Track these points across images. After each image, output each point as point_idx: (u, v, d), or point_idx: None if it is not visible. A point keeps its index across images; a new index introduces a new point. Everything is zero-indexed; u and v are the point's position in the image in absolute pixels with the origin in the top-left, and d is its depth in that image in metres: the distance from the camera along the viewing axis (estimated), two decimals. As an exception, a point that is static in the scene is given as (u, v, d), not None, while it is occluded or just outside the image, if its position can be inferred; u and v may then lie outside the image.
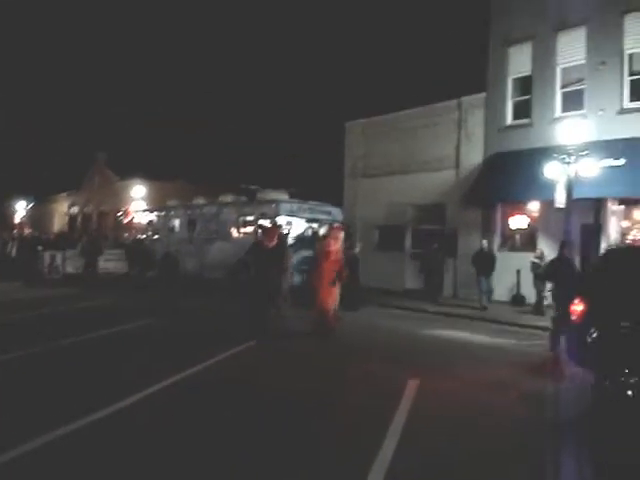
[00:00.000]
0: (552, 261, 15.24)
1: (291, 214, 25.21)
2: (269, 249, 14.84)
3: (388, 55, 59.59)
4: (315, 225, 26.11)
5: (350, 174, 32.33)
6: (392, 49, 54.71)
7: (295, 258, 24.22)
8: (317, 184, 35.10)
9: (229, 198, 29.72)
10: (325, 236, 16.43)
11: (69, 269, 29.74)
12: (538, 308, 20.71)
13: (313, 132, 56.94)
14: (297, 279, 24.21)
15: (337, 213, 27.26)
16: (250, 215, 26.82)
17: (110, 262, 29.66)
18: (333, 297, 15.44)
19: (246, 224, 26.97)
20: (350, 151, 32.42)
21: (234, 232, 27.48)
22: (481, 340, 15.71)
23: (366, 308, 20.95)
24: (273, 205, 25.51)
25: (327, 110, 53.17)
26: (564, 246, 14.88)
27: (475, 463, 6.63)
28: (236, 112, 63.08)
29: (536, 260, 21.00)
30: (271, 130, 60.37)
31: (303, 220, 25.61)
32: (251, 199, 28.57)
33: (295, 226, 25.23)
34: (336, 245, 15.73)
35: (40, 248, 31.67)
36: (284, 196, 27.07)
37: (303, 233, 25.45)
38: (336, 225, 18.57)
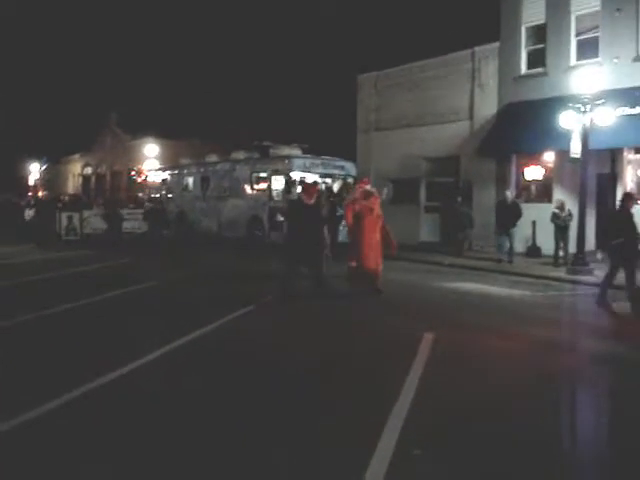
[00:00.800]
0: (614, 215, 14.99)
1: (304, 170, 25.17)
2: (308, 207, 14.01)
3: (400, 6, 58.71)
4: (329, 180, 26.04)
5: (363, 128, 32.08)
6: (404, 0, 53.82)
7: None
8: (330, 139, 34.91)
9: (241, 155, 29.67)
10: (360, 192, 15.23)
11: (87, 230, 29.71)
12: (557, 259, 20.51)
13: (325, 86, 56.46)
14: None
15: (350, 168, 27.18)
16: (263, 172, 26.80)
17: (130, 222, 29.61)
18: (378, 255, 14.65)
19: (259, 180, 26.95)
20: (363, 105, 32.13)
21: (247, 189, 27.48)
22: (498, 292, 15.69)
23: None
24: (286, 161, 25.46)
25: (339, 63, 52.57)
26: (629, 199, 14.38)
27: (489, 410, 6.66)
28: (248, 68, 62.59)
29: (557, 211, 20.65)
30: (283, 86, 59.92)
31: (317, 175, 25.54)
32: (264, 155, 28.52)
33: (309, 181, 25.14)
34: (378, 200, 14.93)
35: (59, 208, 31.71)
36: (297, 152, 27.01)
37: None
38: (365, 179, 17.87)
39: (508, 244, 21.72)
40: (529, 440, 5.94)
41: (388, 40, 45.55)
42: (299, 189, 15.75)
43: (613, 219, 14.44)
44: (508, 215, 21.76)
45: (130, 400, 6.90)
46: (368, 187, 15.73)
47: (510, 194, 23.03)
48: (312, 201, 14.13)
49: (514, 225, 21.75)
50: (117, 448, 5.68)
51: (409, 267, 20.31)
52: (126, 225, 29.28)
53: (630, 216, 13.80)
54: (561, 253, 20.94)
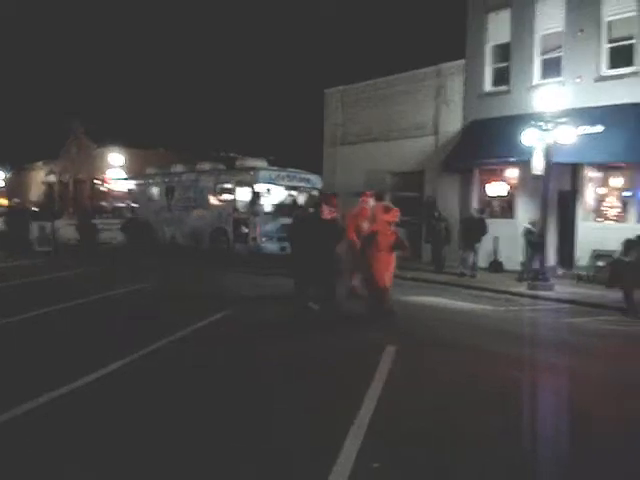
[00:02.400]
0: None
1: (270, 182, 25.16)
2: (324, 222, 13.11)
3: (367, 21, 59.15)
4: (294, 192, 26.09)
5: (329, 141, 32.26)
6: (372, 16, 54.31)
7: (274, 226, 24.32)
8: (296, 152, 35.01)
9: (207, 166, 29.57)
10: (381, 207, 14.13)
11: (60, 240, 29.09)
12: (526, 274, 20.49)
13: (293, 100, 56.61)
14: (274, 247, 24.30)
15: (316, 181, 27.25)
16: (228, 183, 26.74)
17: (105, 233, 29.11)
18: (390, 273, 13.78)
19: (224, 191, 26.90)
20: (329, 118, 32.32)
21: (212, 200, 27.40)
22: (460, 306, 15.82)
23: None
24: (252, 173, 25.43)
25: (306, 77, 52.80)
26: None
27: (448, 423, 6.72)
28: (216, 80, 62.53)
29: (530, 226, 20.75)
30: (250, 98, 59.99)
31: (282, 188, 25.57)
32: (230, 166, 28.48)
33: (274, 194, 25.19)
34: (396, 216, 13.82)
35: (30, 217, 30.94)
36: (263, 163, 26.98)
37: (282, 200, 25.42)
38: (367, 192, 16.67)
39: (472, 259, 21.99)
40: (488, 453, 6.00)
41: (356, 55, 45.93)
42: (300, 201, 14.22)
43: None
44: (474, 230, 22.06)
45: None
46: (372, 202, 15.46)
47: (476, 210, 23.35)
48: (331, 216, 13.26)
49: (479, 240, 22.05)
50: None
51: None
52: (101, 236, 28.82)
53: None
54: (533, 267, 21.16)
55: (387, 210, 13.79)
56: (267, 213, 24.72)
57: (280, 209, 24.97)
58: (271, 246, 24.43)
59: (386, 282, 13.47)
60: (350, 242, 14.90)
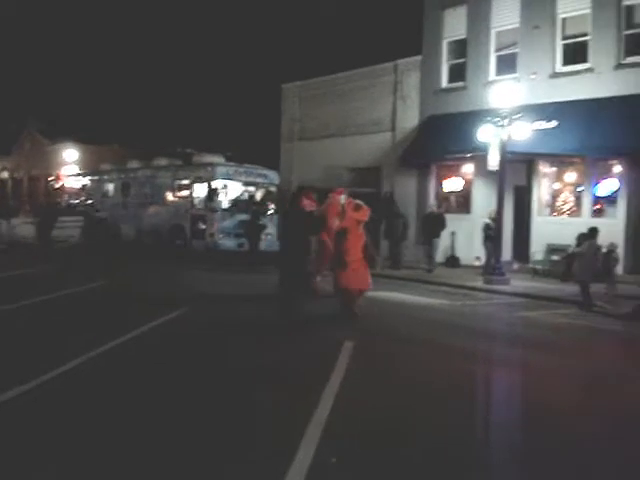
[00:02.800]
0: None
1: (227, 177, 25.00)
2: (310, 214, 12.72)
3: (324, 16, 59.07)
4: (252, 188, 25.96)
5: (286, 137, 32.20)
6: (328, 10, 54.22)
7: (231, 222, 24.18)
8: (253, 147, 34.84)
9: (164, 162, 29.31)
10: (351, 204, 13.37)
11: (16, 237, 28.42)
12: (487, 269, 20.56)
13: (249, 95, 56.30)
14: (232, 243, 24.18)
15: (274, 176, 27.15)
16: (185, 179, 26.52)
17: (62, 230, 28.55)
18: (365, 274, 13.07)
19: (181, 188, 26.67)
20: (286, 114, 32.25)
21: (169, 196, 27.15)
22: (417, 301, 15.89)
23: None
24: (209, 168, 25.25)
25: (263, 72, 52.53)
26: None
27: (409, 417, 6.72)
28: (171, 75, 61.91)
29: (489, 221, 20.83)
30: (207, 93, 59.50)
31: (239, 184, 25.43)
32: (186, 162, 28.25)
33: (231, 189, 25.05)
34: (368, 213, 13.21)
35: None
36: (220, 159, 26.82)
37: (239, 196, 25.29)
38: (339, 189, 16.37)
39: (429, 253, 22.15)
40: (445, 447, 6.01)
41: (313, 50, 45.81)
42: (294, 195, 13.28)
43: None
44: (434, 225, 22.19)
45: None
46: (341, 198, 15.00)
47: (436, 205, 23.49)
48: (313, 208, 12.94)
49: (438, 235, 22.21)
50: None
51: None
52: (58, 233, 28.26)
53: None
54: (479, 263, 21.38)
55: (357, 208, 13.15)
56: (225, 209, 24.55)
57: (238, 205, 24.84)
58: (229, 242, 24.29)
59: (352, 283, 12.71)
60: (319, 239, 14.51)
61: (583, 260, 15.28)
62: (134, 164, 30.94)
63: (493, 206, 20.41)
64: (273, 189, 26.57)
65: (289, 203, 13.35)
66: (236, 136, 41.77)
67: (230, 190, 24.98)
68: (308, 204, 12.79)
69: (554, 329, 12.97)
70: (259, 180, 26.29)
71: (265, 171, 26.92)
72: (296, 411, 6.75)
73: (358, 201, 13.33)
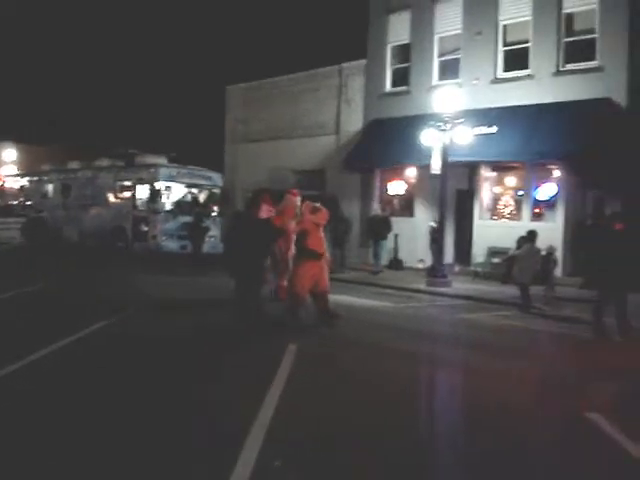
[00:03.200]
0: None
1: (170, 179, 24.81)
2: (260, 222, 11.97)
3: (270, 18, 59.05)
4: (195, 190, 25.79)
5: (231, 139, 32.09)
6: (274, 12, 54.25)
7: (174, 224, 23.98)
8: (197, 149, 34.60)
9: (105, 162, 28.90)
10: (308, 206, 12.79)
11: None
12: (431, 271, 20.65)
13: (193, 96, 55.89)
14: (174, 245, 23.97)
15: (217, 178, 27.03)
16: (128, 180, 26.21)
17: (2, 232, 27.85)
18: (319, 280, 12.25)
19: (123, 189, 26.34)
20: (230, 115, 32.14)
21: (111, 197, 26.79)
22: (361, 303, 15.93)
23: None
24: (152, 170, 25.02)
25: (208, 73, 52.22)
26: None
27: (347, 419, 6.73)
28: (113, 74, 61.14)
29: (434, 224, 20.92)
30: (150, 93, 58.88)
31: (182, 185, 25.24)
32: (129, 164, 27.90)
33: (174, 191, 24.84)
34: (327, 217, 12.59)
35: None
36: (163, 160, 26.58)
37: (182, 198, 25.09)
38: (294, 190, 15.87)
39: (380, 250, 22.25)
40: (384, 450, 6.04)
41: (258, 52, 45.76)
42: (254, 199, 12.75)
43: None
44: (380, 228, 22.31)
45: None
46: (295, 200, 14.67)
47: (381, 207, 23.60)
48: (268, 215, 12.19)
49: (385, 238, 22.34)
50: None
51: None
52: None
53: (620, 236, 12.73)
54: (422, 265, 21.59)
55: (314, 211, 12.56)
56: (167, 211, 24.34)
57: (181, 207, 24.64)
58: (171, 244, 24.08)
59: (305, 289, 12.09)
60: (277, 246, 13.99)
61: (522, 263, 15.53)
62: (74, 165, 30.45)
63: (435, 210, 20.66)
64: (217, 191, 26.44)
65: (247, 207, 12.97)
66: (180, 137, 41.44)
67: (173, 192, 24.77)
68: (266, 209, 12.22)
69: (494, 331, 13.15)
70: (203, 182, 26.15)
71: (209, 173, 26.78)
72: (239, 413, 6.71)
73: (316, 204, 12.93)
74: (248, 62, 37.51)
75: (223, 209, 25.98)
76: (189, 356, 9.39)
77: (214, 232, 24.32)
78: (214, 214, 25.44)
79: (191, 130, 42.93)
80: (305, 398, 7.46)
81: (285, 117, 29.31)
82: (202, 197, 25.88)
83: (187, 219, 23.64)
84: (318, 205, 12.89)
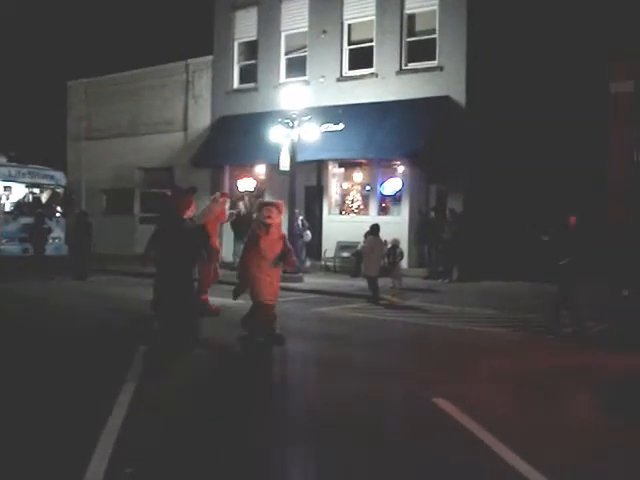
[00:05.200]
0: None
1: (9, 179, 23.66)
2: (182, 226, 10.51)
3: (114, 12, 57.36)
4: (36, 190, 24.71)
5: (73, 136, 31.05)
6: (118, 5, 52.67)
7: (15, 226, 22.89)
8: (38, 147, 33.11)
9: None
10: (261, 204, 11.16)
11: None
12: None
13: (32, 92, 53.51)
14: (16, 248, 22.85)
15: (61, 177, 25.98)
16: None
17: None
18: (275, 288, 10.75)
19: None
20: (73, 112, 31.11)
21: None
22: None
23: (95, 276, 20.16)
24: (-12, 169, 23.72)
25: (47, 68, 50.16)
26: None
27: (202, 421, 6.68)
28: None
29: (298, 221, 20.80)
30: (-15, 88, 55.79)
31: (23, 185, 24.12)
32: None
33: (14, 192, 23.70)
34: (279, 217, 10.79)
35: None
36: (2, 160, 25.24)
37: (23, 199, 23.99)
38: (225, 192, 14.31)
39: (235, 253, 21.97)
40: (232, 448, 6.04)
41: (101, 46, 44.36)
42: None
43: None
44: (243, 226, 21.94)
45: None
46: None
47: (244, 205, 23.13)
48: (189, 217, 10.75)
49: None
50: None
51: (124, 280, 19.84)
52: None
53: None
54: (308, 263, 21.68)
55: (260, 208, 10.81)
56: (7, 212, 23.19)
57: (21, 208, 23.55)
58: (12, 248, 22.91)
59: (267, 297, 10.40)
60: (210, 249, 12.28)
61: (368, 256, 15.94)
62: None
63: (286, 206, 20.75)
64: (60, 191, 25.43)
65: (169, 209, 11.32)
66: (19, 135, 39.53)
67: (13, 192, 23.64)
68: (187, 212, 10.78)
69: (345, 322, 13.46)
70: (44, 181, 25.06)
71: (51, 172, 25.69)
72: (89, 419, 6.51)
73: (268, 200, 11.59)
74: (91, 57, 36.28)
75: (67, 209, 25.01)
76: (28, 362, 9.01)
77: (58, 233, 23.35)
78: (57, 215, 24.45)
79: (31, 128, 41.04)
80: (155, 399, 7.35)
81: (130, 113, 28.67)
82: (44, 197, 24.83)
83: (28, 220, 22.58)
84: (269, 202, 11.82)
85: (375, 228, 16.15)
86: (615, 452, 6.04)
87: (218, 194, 14.87)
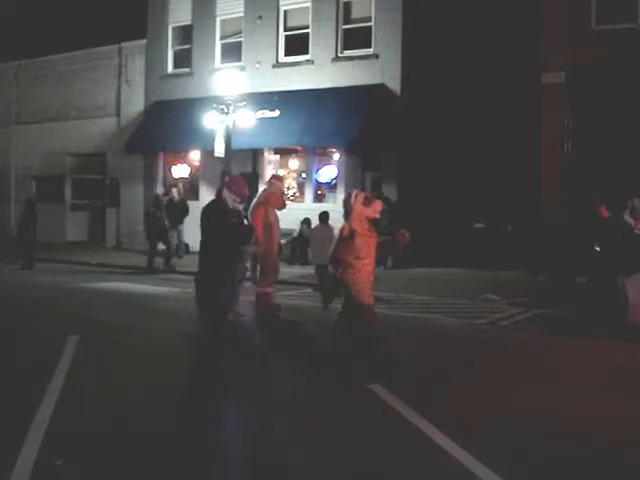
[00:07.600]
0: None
1: None
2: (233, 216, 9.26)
3: (42, -6, 55.87)
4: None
5: (3, 121, 30.23)
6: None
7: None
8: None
9: None
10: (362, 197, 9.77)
11: None
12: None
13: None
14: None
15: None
16: None
17: None
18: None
19: None
20: (3, 95, 30.31)
21: None
22: (144, 290, 15.70)
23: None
24: None
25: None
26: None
27: (134, 410, 6.64)
28: None
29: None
30: None
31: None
32: None
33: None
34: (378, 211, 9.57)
35: None
36: None
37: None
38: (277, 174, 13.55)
39: (176, 240, 21.56)
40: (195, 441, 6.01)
41: (30, 28, 43.21)
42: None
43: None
44: (177, 213, 21.65)
45: None
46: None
47: (177, 192, 22.66)
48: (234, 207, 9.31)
49: (182, 222, 21.60)
50: None
51: (56, 268, 19.50)
52: None
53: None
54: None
55: (368, 202, 9.59)
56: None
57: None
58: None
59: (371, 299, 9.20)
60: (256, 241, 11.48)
61: (316, 244, 15.09)
62: None
63: (213, 193, 20.57)
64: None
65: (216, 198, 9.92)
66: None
67: None
68: (231, 200, 9.21)
69: (293, 311, 13.07)
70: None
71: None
72: (17, 411, 6.39)
73: (367, 193, 10.71)
74: (22, 39, 35.34)
75: None
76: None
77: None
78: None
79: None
80: (86, 390, 7.28)
81: (62, 97, 27.99)
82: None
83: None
84: (370, 194, 10.61)
85: (324, 215, 15.29)
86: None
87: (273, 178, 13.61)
